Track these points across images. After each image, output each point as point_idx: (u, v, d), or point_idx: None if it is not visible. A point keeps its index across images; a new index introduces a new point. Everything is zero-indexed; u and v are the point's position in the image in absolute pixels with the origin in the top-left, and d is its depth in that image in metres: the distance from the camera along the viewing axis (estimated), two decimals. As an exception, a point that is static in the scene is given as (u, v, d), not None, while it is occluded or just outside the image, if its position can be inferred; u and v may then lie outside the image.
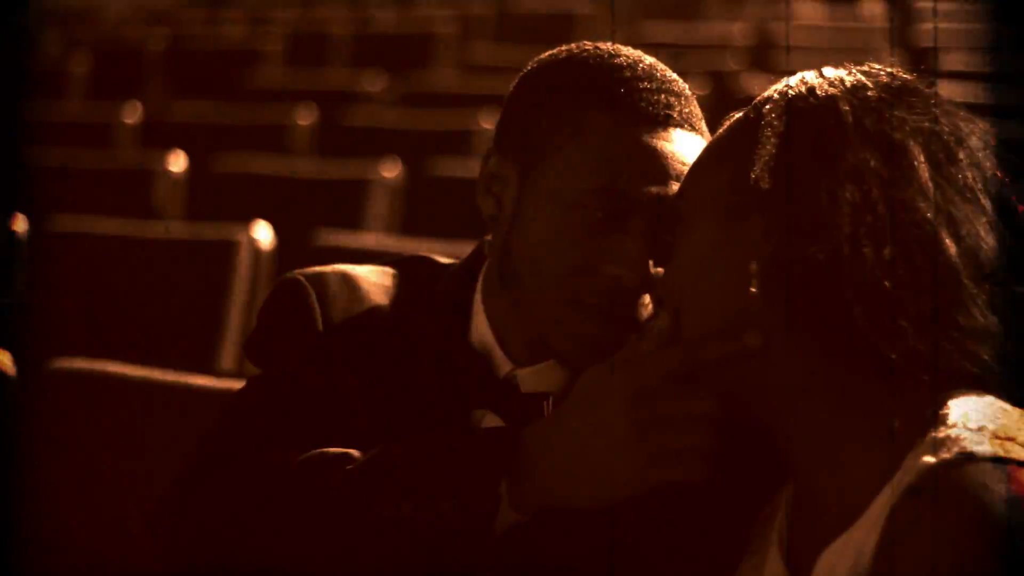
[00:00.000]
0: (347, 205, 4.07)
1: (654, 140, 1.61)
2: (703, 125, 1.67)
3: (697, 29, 7.60)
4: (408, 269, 1.77)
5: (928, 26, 6.97)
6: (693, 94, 1.67)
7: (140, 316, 3.25)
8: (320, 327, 1.69)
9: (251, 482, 1.57)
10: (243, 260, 3.20)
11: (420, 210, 4.10)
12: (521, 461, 1.51)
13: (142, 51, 7.31)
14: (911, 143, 1.46)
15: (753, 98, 1.56)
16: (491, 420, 1.67)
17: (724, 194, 1.50)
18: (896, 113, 1.47)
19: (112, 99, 5.97)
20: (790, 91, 1.51)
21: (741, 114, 1.56)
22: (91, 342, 3.06)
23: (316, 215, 3.84)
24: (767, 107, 1.51)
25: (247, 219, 3.44)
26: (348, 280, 1.73)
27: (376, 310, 1.71)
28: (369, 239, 3.42)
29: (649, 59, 1.68)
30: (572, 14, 7.67)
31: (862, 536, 1.39)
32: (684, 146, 1.62)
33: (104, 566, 2.30)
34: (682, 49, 6.80)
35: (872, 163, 1.44)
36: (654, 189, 1.60)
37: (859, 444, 1.43)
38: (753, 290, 1.45)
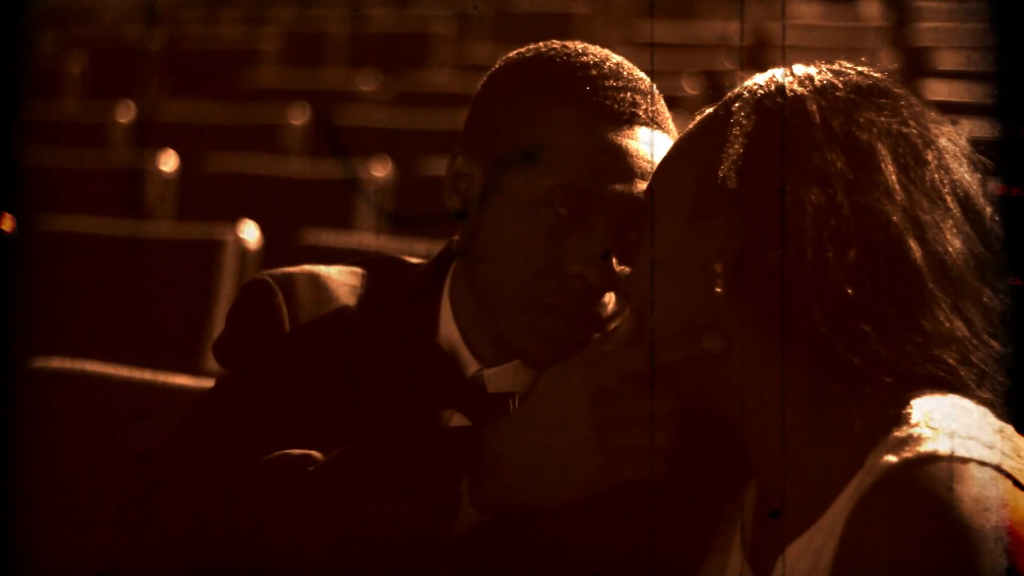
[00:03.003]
0: (337, 204, 4.07)
1: (619, 138, 1.61)
2: (670, 124, 1.67)
3: (693, 28, 7.59)
4: (377, 269, 1.77)
5: (925, 25, 6.96)
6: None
7: (127, 315, 3.25)
8: (287, 328, 1.69)
9: (215, 482, 1.57)
10: (229, 259, 3.20)
11: (410, 210, 4.10)
12: (482, 460, 1.51)
13: (138, 50, 7.31)
14: (878, 145, 1.45)
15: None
16: (458, 420, 1.67)
17: (691, 193, 1.49)
18: (865, 114, 1.47)
19: (107, 99, 5.96)
20: (759, 90, 1.50)
21: (711, 111, 1.55)
22: (78, 341, 3.06)
23: (306, 214, 3.84)
24: (736, 105, 1.50)
25: (237, 218, 3.45)
26: (316, 280, 1.73)
27: (344, 310, 1.71)
28: (356, 239, 3.42)
29: (616, 58, 1.68)
30: (569, 14, 7.66)
31: (823, 535, 1.39)
32: (649, 144, 1.62)
33: (85, 565, 2.30)
34: (678, 48, 6.80)
35: (838, 165, 1.43)
36: (618, 187, 1.60)
37: (822, 444, 1.43)
38: (718, 290, 1.45)
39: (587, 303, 1.61)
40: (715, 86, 5.51)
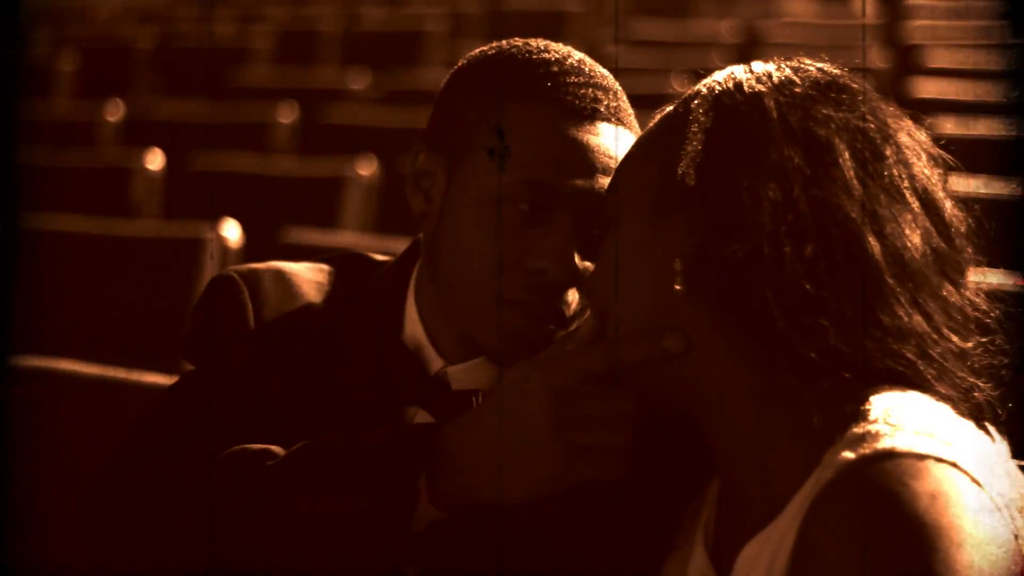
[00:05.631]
0: (322, 203, 4.07)
1: (579, 133, 1.61)
2: (632, 120, 1.66)
3: (686, 27, 7.59)
4: (343, 266, 1.77)
5: (918, 23, 6.96)
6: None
7: (109, 313, 3.25)
8: (252, 324, 1.69)
9: (173, 477, 1.57)
10: (210, 257, 3.20)
11: (395, 208, 4.10)
12: (440, 457, 1.51)
13: (131, 49, 7.31)
14: (836, 140, 1.45)
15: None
16: (422, 417, 1.66)
17: (652, 190, 1.49)
18: (822, 110, 1.46)
19: (97, 97, 5.97)
20: (717, 87, 1.50)
21: (671, 108, 1.55)
22: (59, 339, 3.06)
23: (291, 213, 3.84)
24: (695, 102, 1.50)
25: (222, 217, 3.45)
26: (282, 277, 1.73)
27: (309, 307, 1.71)
28: (338, 237, 3.42)
29: (578, 55, 1.68)
30: (562, 12, 7.66)
31: (781, 531, 1.38)
32: (611, 140, 1.62)
33: (62, 565, 2.29)
34: (671, 47, 6.80)
35: (796, 160, 1.43)
36: (579, 182, 1.60)
37: (781, 440, 1.42)
38: (677, 288, 1.45)
39: (549, 299, 1.61)
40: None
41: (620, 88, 1.67)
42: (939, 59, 5.97)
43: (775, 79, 1.49)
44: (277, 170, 4.34)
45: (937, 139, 1.54)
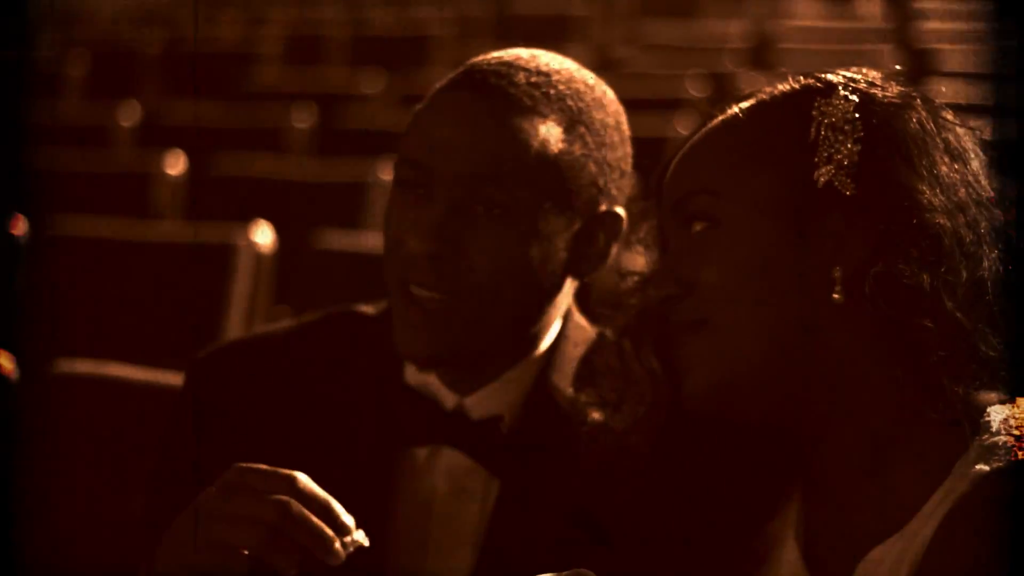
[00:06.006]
0: (345, 206, 4.06)
1: (425, 107, 1.62)
2: (557, 110, 1.62)
3: (694, 29, 7.59)
4: (333, 326, 1.75)
5: (927, 25, 6.97)
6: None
7: (141, 319, 3.24)
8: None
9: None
10: (243, 263, 3.18)
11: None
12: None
13: (138, 52, 7.30)
14: (971, 154, 1.46)
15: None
16: (447, 454, 1.65)
17: (777, 194, 1.45)
18: (953, 122, 1.46)
19: (109, 100, 5.95)
20: (850, 93, 1.46)
21: (770, 108, 1.50)
22: (91, 345, 3.05)
23: (315, 216, 3.82)
24: (825, 107, 1.45)
25: (245, 221, 3.43)
26: (270, 348, 1.73)
27: (307, 372, 1.70)
28: (368, 240, 3.41)
29: (528, 54, 1.66)
30: (569, 15, 7.67)
31: (908, 540, 1.38)
32: (459, 112, 1.59)
33: (105, 567, 2.29)
34: (680, 49, 6.80)
35: (954, 174, 1.43)
36: (451, 159, 1.58)
37: (908, 452, 1.42)
38: (836, 296, 1.42)
39: (408, 277, 1.59)
40: (719, 87, 5.51)
41: (558, 82, 1.64)
42: (951, 61, 5.97)
43: (896, 87, 1.47)
44: (300, 174, 4.33)
45: (1006, 142, 1.55)
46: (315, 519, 1.36)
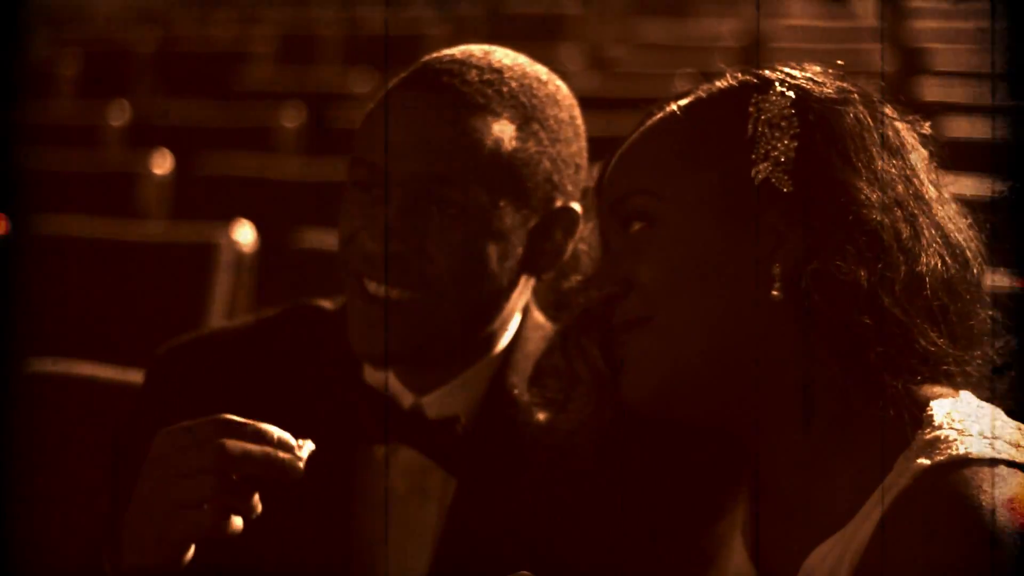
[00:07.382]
0: (332, 206, 4.04)
1: (378, 106, 1.61)
2: (483, 98, 1.61)
3: (686, 28, 7.58)
4: (293, 321, 1.75)
5: (920, 24, 6.96)
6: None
7: (121, 318, 3.23)
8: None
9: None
10: (224, 262, 3.17)
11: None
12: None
13: (132, 51, 7.29)
14: (910, 151, 1.45)
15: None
16: (405, 453, 1.64)
17: (714, 192, 1.44)
18: (893, 118, 1.46)
19: (100, 100, 5.94)
20: (786, 90, 1.45)
21: (709, 109, 1.49)
22: (72, 344, 3.03)
23: (300, 216, 3.81)
24: (762, 103, 1.45)
25: (231, 220, 3.41)
26: (229, 342, 1.72)
27: (266, 366, 1.70)
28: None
29: (481, 51, 1.65)
30: (561, 14, 7.66)
31: (849, 537, 1.37)
32: (412, 111, 1.59)
33: (77, 568, 2.28)
34: (672, 48, 6.79)
35: (894, 170, 1.42)
36: (369, 155, 1.59)
37: (850, 448, 1.41)
38: (775, 294, 1.41)
39: (360, 269, 1.60)
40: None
41: (511, 79, 1.63)
42: (945, 61, 5.97)
43: (847, 84, 1.46)
44: (287, 173, 4.32)
45: (943, 141, 1.53)
46: (255, 446, 1.35)
